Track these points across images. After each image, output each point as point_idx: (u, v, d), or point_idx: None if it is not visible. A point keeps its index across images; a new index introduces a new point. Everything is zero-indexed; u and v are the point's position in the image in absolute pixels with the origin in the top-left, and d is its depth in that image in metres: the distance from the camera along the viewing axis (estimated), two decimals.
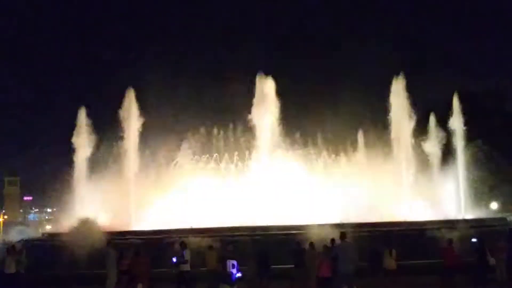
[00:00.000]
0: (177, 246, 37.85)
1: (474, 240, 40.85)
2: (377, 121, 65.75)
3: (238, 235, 47.96)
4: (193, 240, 43.30)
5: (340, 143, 67.20)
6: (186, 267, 36.29)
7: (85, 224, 51.87)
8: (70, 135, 61.37)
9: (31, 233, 64.55)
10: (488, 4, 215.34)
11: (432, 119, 65.82)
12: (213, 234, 47.01)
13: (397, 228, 50.68)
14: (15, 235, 56.96)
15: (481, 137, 65.75)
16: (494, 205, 79.14)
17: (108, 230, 51.77)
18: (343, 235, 32.10)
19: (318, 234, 41.46)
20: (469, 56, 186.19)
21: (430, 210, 60.11)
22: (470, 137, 65.27)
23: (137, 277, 36.14)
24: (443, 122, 65.47)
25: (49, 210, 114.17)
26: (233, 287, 32.64)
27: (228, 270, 32.55)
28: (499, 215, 70.52)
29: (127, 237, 50.51)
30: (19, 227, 68.54)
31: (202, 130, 67.86)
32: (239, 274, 32.89)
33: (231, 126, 68.04)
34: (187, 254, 36.57)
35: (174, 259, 36.56)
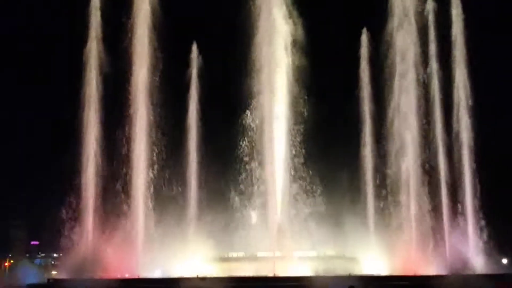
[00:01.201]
0: None
1: None
2: None
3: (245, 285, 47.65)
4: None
5: None
6: None
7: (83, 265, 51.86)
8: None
9: (38, 274, 64.05)
10: None
11: None
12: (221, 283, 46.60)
13: (407, 283, 50.11)
14: (21, 277, 56.48)
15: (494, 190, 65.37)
16: (504, 260, 78.18)
17: (109, 275, 51.68)
18: None
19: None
20: None
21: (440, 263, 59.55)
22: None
23: None
24: None
25: (55, 255, 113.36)
26: None
27: None
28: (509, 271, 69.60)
29: (130, 284, 50.10)
30: (27, 266, 68.07)
31: None
32: None
33: None
34: None
35: None
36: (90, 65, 64.22)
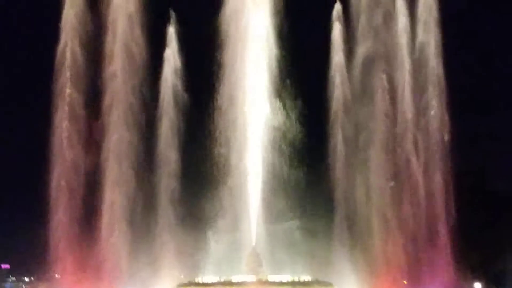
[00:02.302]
0: None
1: None
2: None
3: None
4: None
5: None
6: None
7: None
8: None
9: None
10: None
11: None
12: None
13: None
14: None
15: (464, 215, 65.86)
16: (477, 285, 78.52)
17: None
18: None
19: None
20: None
21: None
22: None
23: None
24: None
25: (26, 279, 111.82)
26: None
27: None
28: None
29: None
30: None
31: None
32: None
33: None
34: None
35: None
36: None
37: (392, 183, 65.58)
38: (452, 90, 68.13)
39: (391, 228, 63.27)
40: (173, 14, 68.63)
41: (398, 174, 66.02)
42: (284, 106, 64.68)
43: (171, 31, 68.93)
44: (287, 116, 64.77)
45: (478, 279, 77.21)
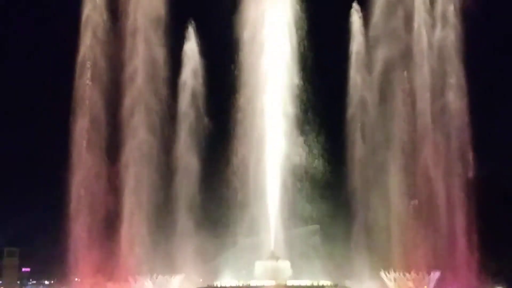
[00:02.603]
0: None
1: None
2: None
3: None
4: None
5: None
6: None
7: None
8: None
9: None
10: None
11: None
12: None
13: None
14: None
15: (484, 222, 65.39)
16: None
17: None
18: None
19: None
20: None
21: None
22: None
23: None
24: None
25: (46, 282, 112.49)
26: None
27: None
28: None
29: None
30: None
31: None
32: None
33: None
34: None
35: None
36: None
37: (415, 201, 65.13)
38: (472, 87, 67.62)
39: (411, 233, 62.84)
40: (193, 24, 68.96)
41: (418, 183, 65.54)
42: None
43: (191, 37, 69.23)
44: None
45: (499, 284, 76.65)
